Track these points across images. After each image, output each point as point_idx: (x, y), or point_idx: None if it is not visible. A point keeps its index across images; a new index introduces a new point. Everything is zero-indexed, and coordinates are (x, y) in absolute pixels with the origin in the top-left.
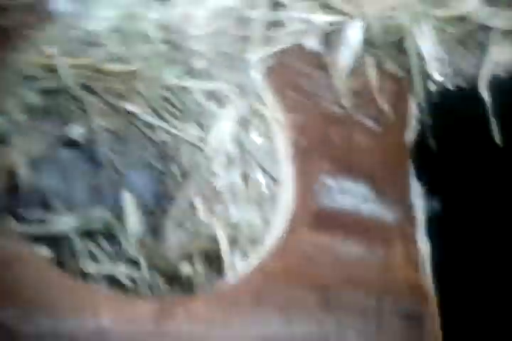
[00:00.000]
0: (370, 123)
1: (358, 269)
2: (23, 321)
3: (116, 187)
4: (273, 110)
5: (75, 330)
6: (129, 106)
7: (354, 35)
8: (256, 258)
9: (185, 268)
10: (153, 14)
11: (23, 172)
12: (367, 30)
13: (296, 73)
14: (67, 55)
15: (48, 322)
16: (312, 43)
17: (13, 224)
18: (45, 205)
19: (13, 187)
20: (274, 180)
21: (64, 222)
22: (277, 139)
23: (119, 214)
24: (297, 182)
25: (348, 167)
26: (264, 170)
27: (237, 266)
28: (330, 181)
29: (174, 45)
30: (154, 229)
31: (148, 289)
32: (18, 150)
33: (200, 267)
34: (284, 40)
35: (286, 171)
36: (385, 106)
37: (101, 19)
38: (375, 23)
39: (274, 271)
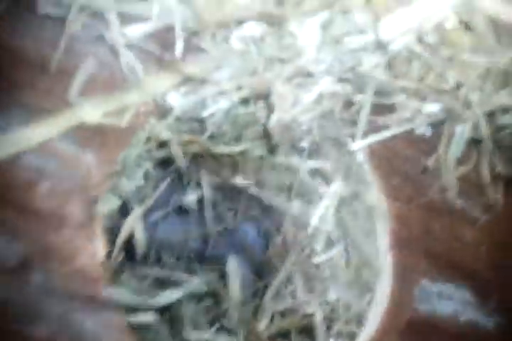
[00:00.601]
0: (477, 213)
1: None
2: None
3: (225, 242)
4: (376, 196)
5: None
6: (238, 180)
7: (463, 130)
8: None
9: None
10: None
11: (140, 234)
12: (475, 128)
13: (403, 159)
14: (181, 134)
15: None
16: (422, 130)
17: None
18: (159, 261)
19: (130, 247)
20: (373, 267)
21: (171, 294)
22: (378, 226)
23: (224, 275)
24: (395, 279)
25: (450, 266)
26: (363, 255)
27: None
28: (429, 284)
29: (282, 127)
30: (254, 296)
31: None
32: (137, 215)
33: None
34: (392, 126)
35: (386, 263)
36: (496, 196)
37: (214, 107)
38: (484, 123)
39: None
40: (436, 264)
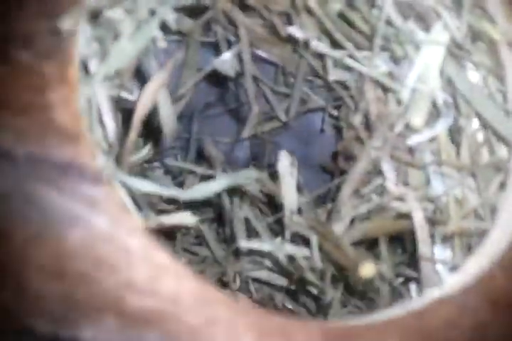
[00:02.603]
0: None
1: None
2: None
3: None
4: None
5: None
6: (295, 30)
7: None
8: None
9: (367, 269)
10: None
11: (166, 110)
12: None
13: None
14: None
15: None
16: None
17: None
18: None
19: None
20: None
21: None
22: None
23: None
24: None
25: None
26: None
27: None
28: None
29: None
30: (325, 196)
31: (319, 281)
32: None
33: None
34: None
35: None
36: None
37: None
38: None
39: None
40: None
